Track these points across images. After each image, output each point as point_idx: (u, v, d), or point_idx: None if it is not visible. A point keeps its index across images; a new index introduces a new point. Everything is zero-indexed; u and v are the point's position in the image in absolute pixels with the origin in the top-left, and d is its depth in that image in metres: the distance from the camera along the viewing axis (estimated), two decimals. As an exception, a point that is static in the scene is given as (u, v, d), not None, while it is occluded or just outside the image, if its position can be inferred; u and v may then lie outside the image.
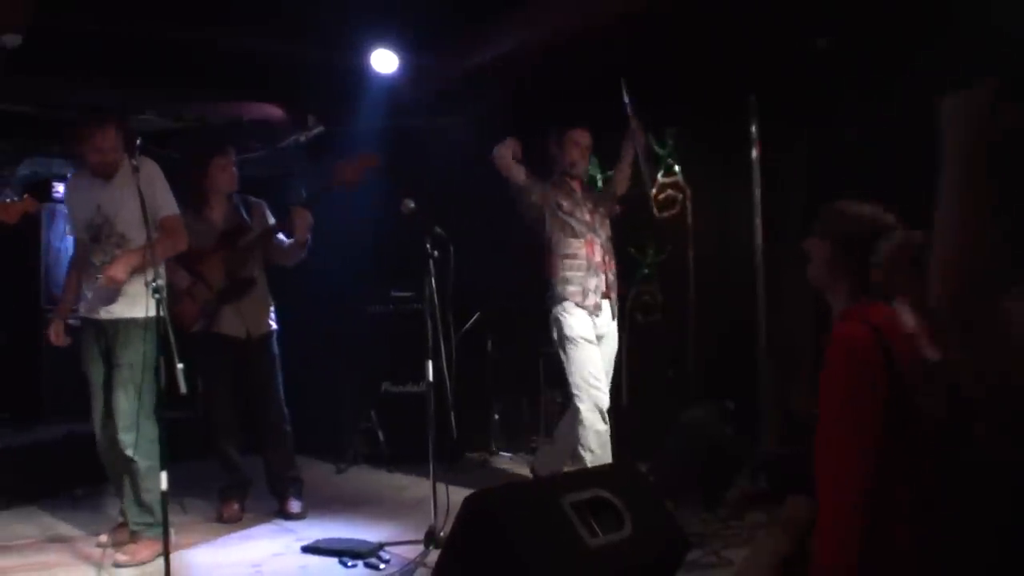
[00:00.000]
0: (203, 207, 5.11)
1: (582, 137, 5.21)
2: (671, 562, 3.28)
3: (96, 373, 4.35)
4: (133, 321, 4.19)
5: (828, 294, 2.48)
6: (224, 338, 5.04)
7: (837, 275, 2.43)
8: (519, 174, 5.15)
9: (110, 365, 4.29)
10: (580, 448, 4.92)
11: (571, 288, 5.01)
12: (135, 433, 4.11)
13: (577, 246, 5.06)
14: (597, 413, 4.91)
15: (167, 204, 4.39)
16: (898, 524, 2.17)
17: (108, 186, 4.33)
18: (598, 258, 5.07)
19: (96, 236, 4.34)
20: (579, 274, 5.02)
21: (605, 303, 5.09)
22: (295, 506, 5.09)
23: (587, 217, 5.12)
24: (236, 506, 5.06)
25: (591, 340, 4.99)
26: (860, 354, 2.19)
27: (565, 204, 5.08)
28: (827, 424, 2.25)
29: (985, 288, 1.61)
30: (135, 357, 4.17)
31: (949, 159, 1.66)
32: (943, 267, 1.64)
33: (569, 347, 4.99)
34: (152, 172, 4.35)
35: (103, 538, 4.41)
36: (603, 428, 4.92)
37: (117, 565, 4.08)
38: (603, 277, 5.08)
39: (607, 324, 5.13)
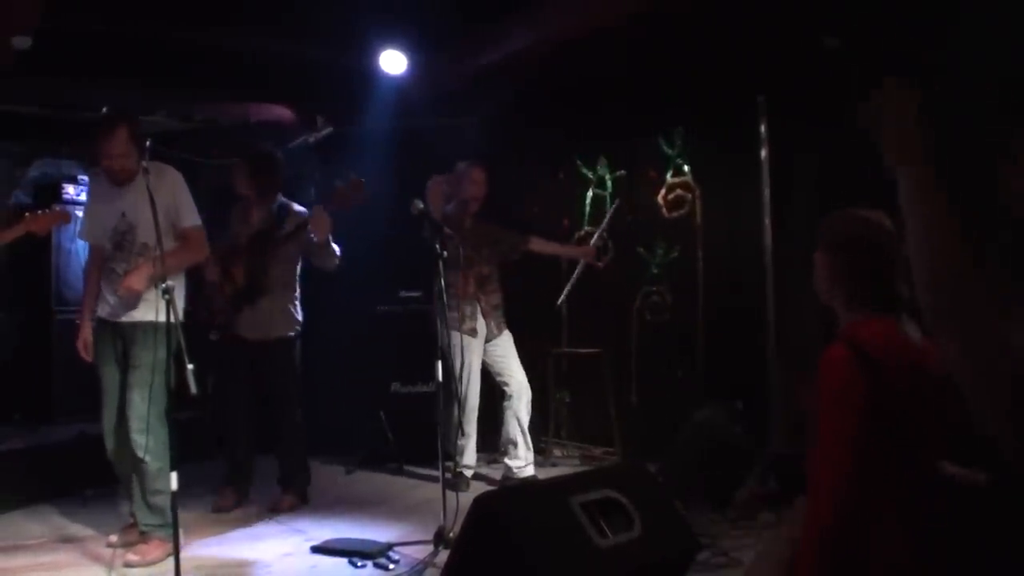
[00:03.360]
0: (249, 208, 5.33)
1: (480, 175, 5.74)
2: (681, 562, 3.28)
3: (109, 374, 4.35)
4: (149, 324, 4.20)
5: (833, 306, 2.41)
6: (240, 339, 5.20)
7: (835, 286, 2.37)
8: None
9: (126, 367, 4.29)
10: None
11: (451, 314, 5.53)
12: (148, 435, 4.13)
13: (454, 277, 5.53)
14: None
15: (189, 214, 4.39)
16: (886, 534, 2.18)
17: (130, 193, 4.30)
18: (471, 289, 5.67)
19: (120, 243, 4.33)
20: (455, 301, 5.58)
21: (481, 324, 5.70)
22: (285, 501, 5.24)
23: (467, 251, 5.59)
24: (230, 497, 5.25)
25: (469, 351, 5.62)
26: (838, 373, 2.17)
27: (453, 238, 5.48)
28: (817, 434, 2.25)
29: (973, 303, 1.56)
30: (150, 359, 4.17)
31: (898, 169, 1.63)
32: (923, 285, 1.57)
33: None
34: (175, 180, 4.38)
35: (113, 538, 4.42)
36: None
37: (127, 565, 4.10)
38: (476, 305, 5.68)
39: (491, 337, 5.74)
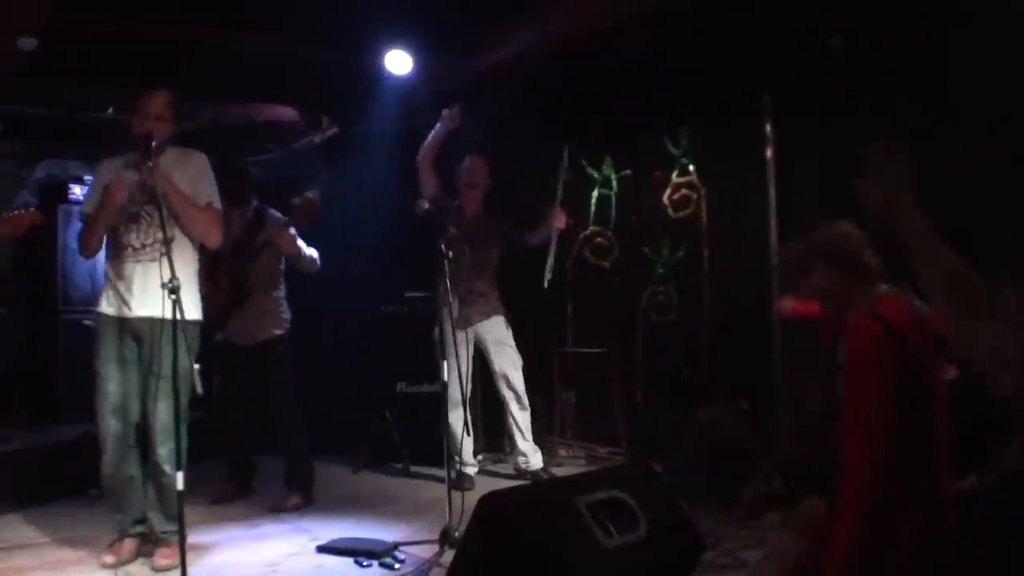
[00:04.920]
0: (226, 215, 5.25)
1: (473, 162, 5.84)
2: (686, 563, 3.27)
3: (111, 375, 4.12)
4: (163, 323, 3.84)
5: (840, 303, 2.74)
6: (233, 344, 5.37)
7: (845, 288, 2.73)
8: (430, 184, 5.65)
9: (132, 369, 4.10)
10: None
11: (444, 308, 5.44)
12: (172, 446, 3.78)
13: (448, 268, 5.40)
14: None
15: (212, 195, 4.27)
16: (908, 499, 2.36)
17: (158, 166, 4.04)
18: (456, 279, 5.39)
19: (136, 215, 4.11)
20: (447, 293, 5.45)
21: (458, 310, 5.45)
22: (291, 500, 5.29)
23: (461, 245, 5.54)
24: (228, 492, 5.48)
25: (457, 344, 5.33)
26: (873, 344, 2.42)
27: (448, 229, 5.34)
28: (849, 407, 2.46)
29: None
30: (177, 364, 3.76)
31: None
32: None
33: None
34: (201, 160, 4.33)
35: (108, 559, 4.12)
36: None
37: (160, 569, 4.00)
38: (459, 297, 5.48)
39: (481, 326, 5.74)
